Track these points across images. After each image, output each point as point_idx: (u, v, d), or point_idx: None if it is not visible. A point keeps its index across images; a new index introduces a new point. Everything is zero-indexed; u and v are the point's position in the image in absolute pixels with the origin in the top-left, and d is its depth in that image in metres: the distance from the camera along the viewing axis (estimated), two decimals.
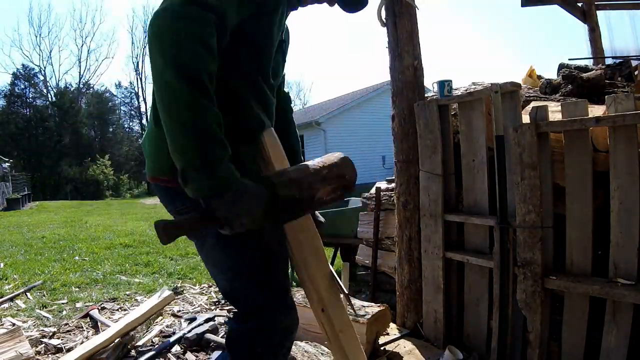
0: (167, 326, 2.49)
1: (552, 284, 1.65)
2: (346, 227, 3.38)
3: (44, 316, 2.74)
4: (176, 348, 2.19)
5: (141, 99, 34.97)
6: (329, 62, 65.87)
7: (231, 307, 2.46)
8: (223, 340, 2.14)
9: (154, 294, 2.85)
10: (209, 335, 2.26)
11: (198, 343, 2.23)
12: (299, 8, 1.18)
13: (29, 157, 28.23)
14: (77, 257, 4.80)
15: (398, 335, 2.22)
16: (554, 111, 1.85)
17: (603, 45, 4.34)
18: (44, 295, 3.28)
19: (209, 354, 2.15)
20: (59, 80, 33.11)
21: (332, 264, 3.22)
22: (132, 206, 15.06)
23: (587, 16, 4.36)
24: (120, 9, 60.87)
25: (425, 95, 2.40)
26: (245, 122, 1.00)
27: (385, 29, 2.33)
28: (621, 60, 2.77)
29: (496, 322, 1.86)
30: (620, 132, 1.52)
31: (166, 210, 1.08)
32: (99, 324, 2.54)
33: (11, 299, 3.14)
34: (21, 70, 30.17)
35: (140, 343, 2.26)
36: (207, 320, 2.45)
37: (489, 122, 1.95)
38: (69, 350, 2.18)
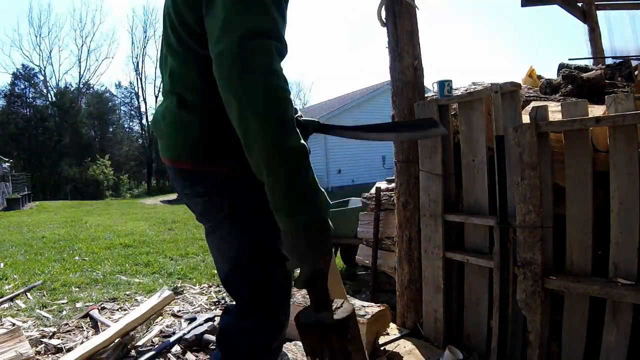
0: (167, 326, 2.50)
1: (552, 284, 1.65)
2: (346, 227, 3.38)
3: (44, 316, 2.74)
4: (176, 348, 2.20)
5: (141, 99, 34.99)
6: (329, 62, 65.92)
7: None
8: None
9: (154, 294, 2.85)
10: (208, 336, 2.26)
11: (198, 343, 2.23)
12: None
13: (29, 157, 28.20)
14: (77, 257, 4.80)
15: (398, 335, 2.22)
16: (554, 111, 1.85)
17: (603, 45, 4.34)
18: (44, 295, 3.28)
19: (209, 354, 2.15)
20: (59, 80, 33.07)
21: None
22: (132, 206, 15.04)
23: (587, 16, 4.36)
24: (120, 9, 60.88)
25: (425, 95, 2.39)
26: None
27: (385, 29, 2.33)
28: (621, 60, 2.77)
29: (496, 322, 1.86)
30: (620, 132, 1.52)
31: (179, 191, 1.06)
32: (99, 324, 2.54)
33: (11, 299, 3.14)
34: (21, 70, 30.16)
35: (140, 343, 2.26)
36: (207, 321, 2.45)
37: (489, 122, 1.95)
38: (69, 350, 2.18)
